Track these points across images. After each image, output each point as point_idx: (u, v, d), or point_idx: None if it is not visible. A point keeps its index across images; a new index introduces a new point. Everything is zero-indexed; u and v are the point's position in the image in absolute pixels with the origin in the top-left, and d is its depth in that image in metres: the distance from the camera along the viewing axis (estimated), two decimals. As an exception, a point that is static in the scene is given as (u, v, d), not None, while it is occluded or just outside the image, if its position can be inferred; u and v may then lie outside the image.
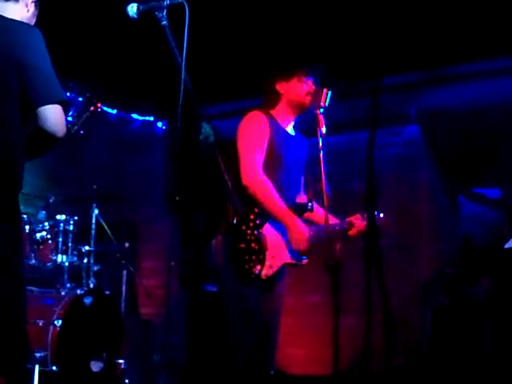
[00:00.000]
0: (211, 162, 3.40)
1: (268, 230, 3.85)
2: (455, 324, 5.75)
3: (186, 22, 3.06)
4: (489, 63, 6.11)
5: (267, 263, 3.80)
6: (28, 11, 3.16)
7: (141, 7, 3.15)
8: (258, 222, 3.84)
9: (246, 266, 3.78)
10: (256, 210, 3.85)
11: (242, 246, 3.80)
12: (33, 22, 3.19)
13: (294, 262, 3.92)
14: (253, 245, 3.80)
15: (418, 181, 6.85)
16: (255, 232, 3.82)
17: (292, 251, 3.90)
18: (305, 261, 3.95)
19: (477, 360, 5.46)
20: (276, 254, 3.83)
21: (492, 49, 5.85)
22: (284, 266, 3.90)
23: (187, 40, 3.06)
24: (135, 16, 3.16)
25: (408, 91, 6.56)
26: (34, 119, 2.96)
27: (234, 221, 3.84)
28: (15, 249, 2.94)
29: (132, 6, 3.16)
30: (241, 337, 3.93)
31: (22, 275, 3.01)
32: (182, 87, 3.10)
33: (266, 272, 3.79)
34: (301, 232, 3.86)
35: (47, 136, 2.94)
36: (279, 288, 4.02)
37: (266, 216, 3.86)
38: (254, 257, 3.79)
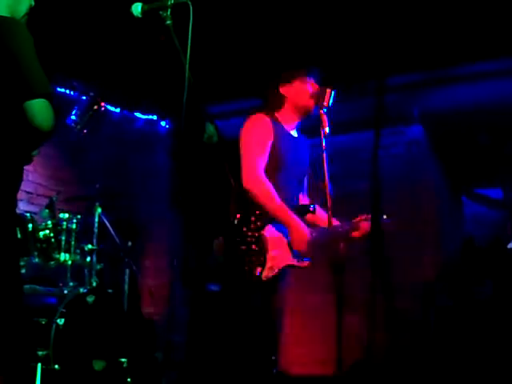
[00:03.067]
0: (214, 161, 3.40)
1: (269, 232, 3.85)
2: (458, 324, 5.75)
3: (191, 22, 3.06)
4: (492, 64, 6.11)
5: (268, 265, 3.79)
6: None
7: (145, 6, 3.15)
8: (258, 223, 3.84)
9: (247, 268, 3.77)
10: (257, 212, 3.85)
11: (243, 247, 3.80)
12: (22, 8, 3.14)
13: (295, 263, 3.91)
14: (253, 246, 3.80)
15: (420, 181, 6.85)
16: (256, 234, 3.82)
17: (294, 253, 3.89)
18: (307, 262, 3.95)
19: (479, 360, 5.46)
20: (277, 256, 3.83)
21: (495, 50, 5.84)
22: (286, 268, 3.90)
23: (191, 39, 3.07)
24: (140, 15, 3.16)
25: (411, 91, 6.56)
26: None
27: (235, 221, 3.84)
28: (10, 247, 2.94)
29: (137, 6, 3.17)
30: (243, 337, 3.93)
31: (18, 273, 3.01)
32: (186, 86, 3.11)
33: (266, 274, 3.79)
34: (302, 233, 3.86)
35: (35, 130, 2.93)
36: (281, 289, 4.02)
37: (267, 218, 3.86)
38: (254, 258, 3.78)
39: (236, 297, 3.95)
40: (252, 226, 3.83)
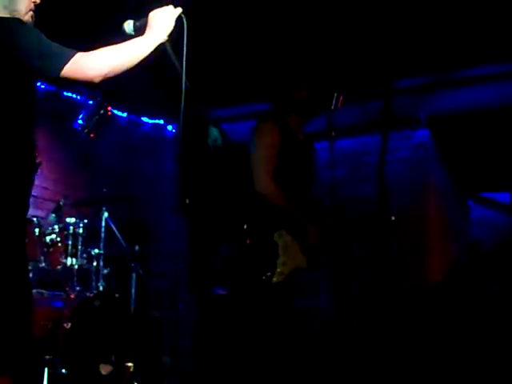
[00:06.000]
0: (221, 164, 3.41)
1: (279, 237, 3.86)
2: (464, 327, 5.75)
3: (185, 35, 3.04)
4: (499, 66, 6.11)
5: (277, 270, 3.80)
6: None
7: (137, 23, 3.09)
8: (269, 228, 3.85)
9: (257, 273, 3.79)
10: (267, 217, 3.86)
11: (253, 252, 3.81)
12: (20, 7, 3.09)
13: (304, 267, 3.92)
14: (263, 251, 3.81)
15: (427, 184, 6.84)
16: (266, 238, 3.83)
17: (302, 257, 3.91)
18: (315, 266, 3.96)
19: (485, 363, 5.46)
20: (286, 261, 3.84)
21: (501, 53, 5.84)
22: (295, 271, 3.90)
23: (187, 51, 3.04)
24: (132, 33, 3.09)
25: (418, 95, 6.55)
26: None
27: (245, 226, 3.86)
28: (18, 250, 2.94)
29: (128, 23, 3.09)
30: (252, 341, 3.94)
31: (26, 276, 3.02)
32: (183, 100, 3.11)
33: (276, 279, 3.80)
34: (314, 229, 3.89)
35: (86, 83, 2.98)
36: (290, 293, 4.02)
37: (278, 222, 3.87)
38: (264, 263, 3.80)
39: (244, 300, 3.97)
40: (262, 230, 3.85)
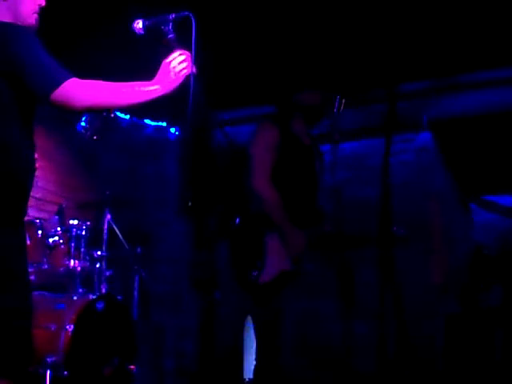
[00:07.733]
0: (224, 167, 3.41)
1: (269, 238, 3.88)
2: (468, 332, 5.74)
3: (193, 35, 3.06)
4: (502, 71, 6.11)
5: (265, 270, 3.82)
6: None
7: (146, 23, 3.15)
8: (260, 228, 3.87)
9: (244, 271, 3.82)
10: (260, 217, 3.88)
11: (242, 250, 3.85)
12: (23, 9, 3.05)
13: (293, 270, 3.94)
14: (252, 250, 3.84)
15: (429, 187, 6.84)
16: (256, 238, 3.86)
17: (292, 260, 3.92)
18: (304, 269, 3.98)
19: (489, 368, 5.45)
20: (275, 262, 3.86)
21: (505, 57, 5.84)
22: (283, 274, 3.91)
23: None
24: (142, 32, 3.17)
25: (421, 98, 6.56)
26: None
27: (235, 224, 3.90)
28: (17, 252, 2.94)
29: (138, 23, 3.16)
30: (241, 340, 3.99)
31: (25, 278, 3.02)
32: (191, 100, 3.13)
33: (263, 278, 3.82)
34: (297, 238, 3.90)
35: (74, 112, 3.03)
36: (279, 295, 4.02)
37: (269, 223, 3.89)
38: (252, 262, 3.83)
39: (234, 300, 4.01)
40: (253, 230, 3.88)
